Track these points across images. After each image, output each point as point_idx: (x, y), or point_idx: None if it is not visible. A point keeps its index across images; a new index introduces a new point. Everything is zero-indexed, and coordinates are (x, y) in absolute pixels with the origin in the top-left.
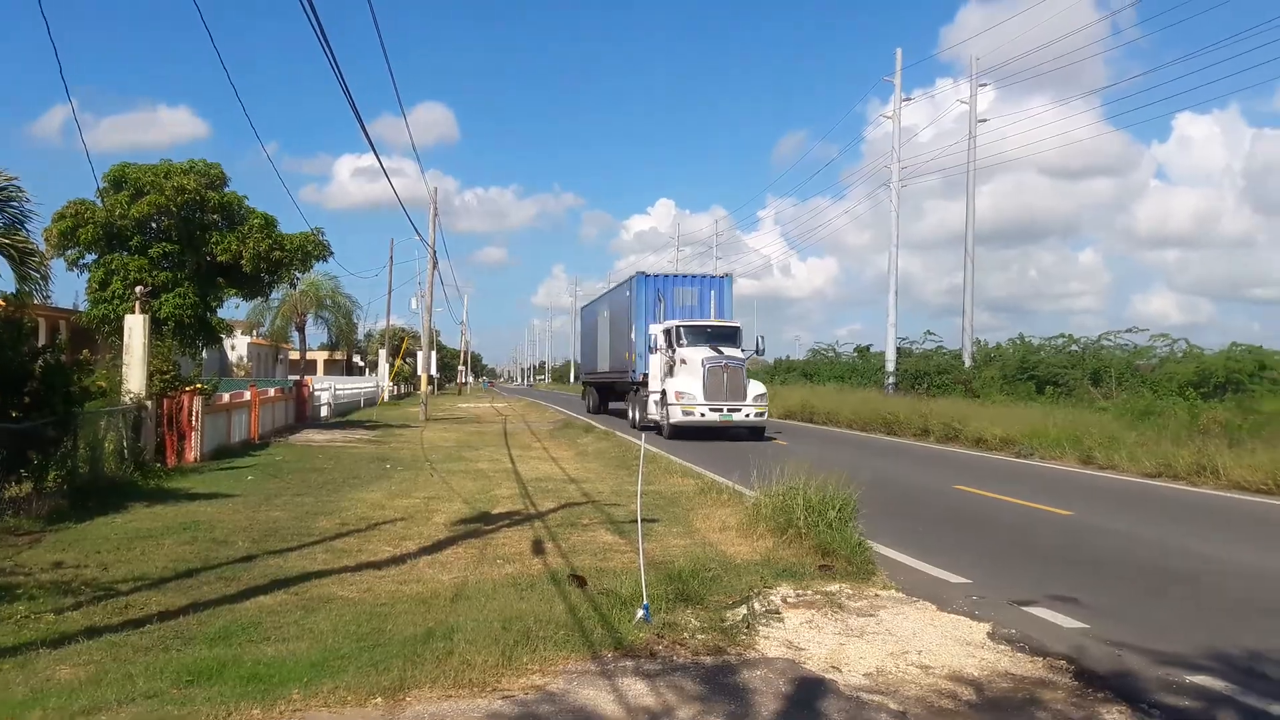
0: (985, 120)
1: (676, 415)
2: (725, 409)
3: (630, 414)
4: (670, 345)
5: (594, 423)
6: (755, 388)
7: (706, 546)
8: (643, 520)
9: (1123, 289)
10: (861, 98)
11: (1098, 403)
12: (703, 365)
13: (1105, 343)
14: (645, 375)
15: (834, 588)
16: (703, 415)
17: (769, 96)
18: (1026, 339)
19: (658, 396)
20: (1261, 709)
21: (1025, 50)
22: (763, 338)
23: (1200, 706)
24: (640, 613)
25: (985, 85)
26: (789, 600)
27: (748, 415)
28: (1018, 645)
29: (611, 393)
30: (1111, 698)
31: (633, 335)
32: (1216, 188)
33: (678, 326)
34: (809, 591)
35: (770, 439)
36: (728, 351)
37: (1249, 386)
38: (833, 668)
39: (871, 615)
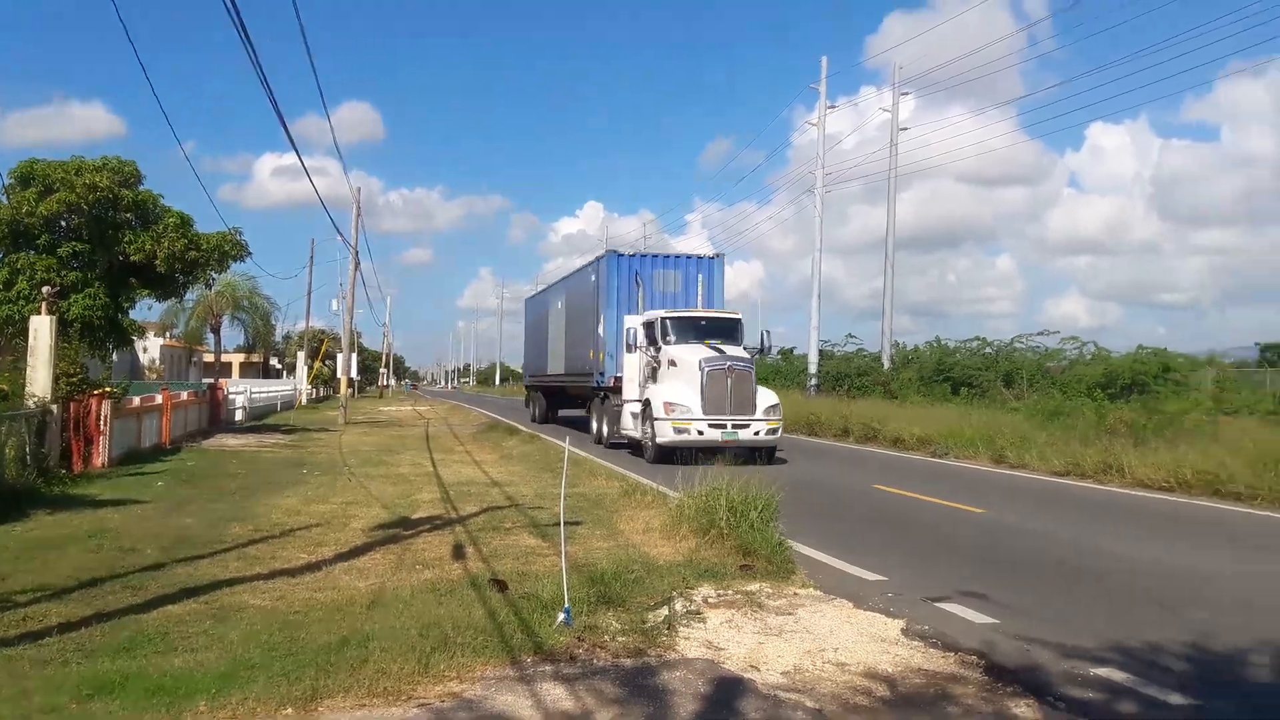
0: (906, 129)
1: (665, 433)
2: (729, 424)
3: (594, 428)
4: (654, 342)
5: (519, 426)
6: (766, 396)
7: (630, 548)
8: (566, 523)
9: (1036, 294)
10: (788, 105)
11: (1010, 404)
12: (700, 368)
13: (1018, 345)
14: (617, 379)
15: (754, 587)
16: (700, 433)
17: (698, 101)
18: (943, 342)
19: (637, 408)
20: (1160, 699)
21: (947, 60)
22: (768, 333)
23: (1103, 698)
24: (561, 616)
25: (907, 94)
26: (710, 600)
27: (758, 433)
28: (930, 641)
29: (564, 399)
30: (1020, 691)
31: (600, 329)
32: (1126, 196)
33: (663, 318)
34: (730, 591)
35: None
36: (729, 350)
37: (1154, 388)
38: (751, 667)
39: (790, 614)
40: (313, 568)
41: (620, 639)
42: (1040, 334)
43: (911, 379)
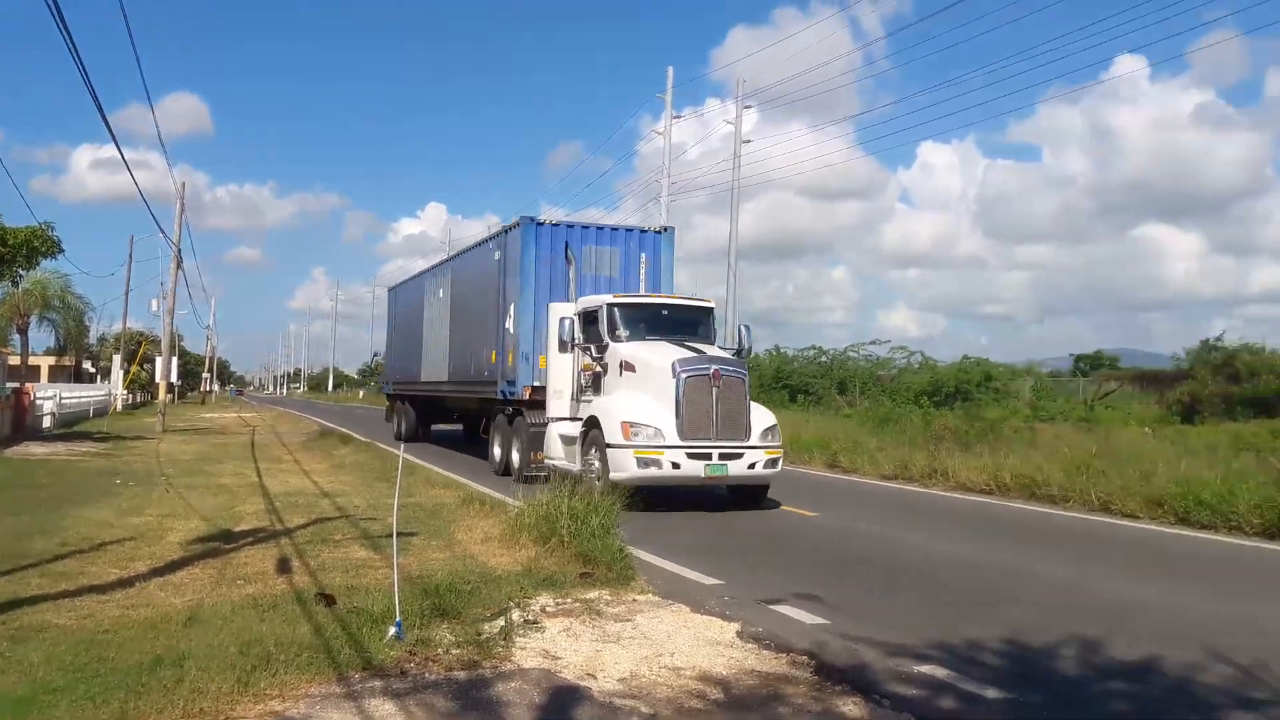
0: (750, 141)
1: (624, 465)
2: (716, 453)
3: (497, 454)
4: (598, 338)
5: (354, 434)
6: (761, 415)
7: (467, 559)
8: (401, 534)
9: (869, 304)
10: (635, 113)
11: (844, 410)
12: (674, 374)
13: (851, 354)
14: (534, 389)
15: (593, 595)
16: (675, 466)
17: (544, 106)
18: (782, 350)
19: (572, 428)
20: (978, 694)
21: (789, 75)
22: (748, 329)
23: (925, 694)
24: (392, 630)
25: (750, 107)
26: (548, 609)
27: (753, 465)
28: (764, 643)
29: (440, 412)
30: (848, 690)
31: (509, 323)
32: (953, 212)
33: (611, 306)
34: (569, 600)
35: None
36: (709, 351)
37: (976, 396)
38: (588, 675)
39: (628, 620)
40: (124, 584)
41: (454, 651)
42: (872, 343)
43: (751, 386)
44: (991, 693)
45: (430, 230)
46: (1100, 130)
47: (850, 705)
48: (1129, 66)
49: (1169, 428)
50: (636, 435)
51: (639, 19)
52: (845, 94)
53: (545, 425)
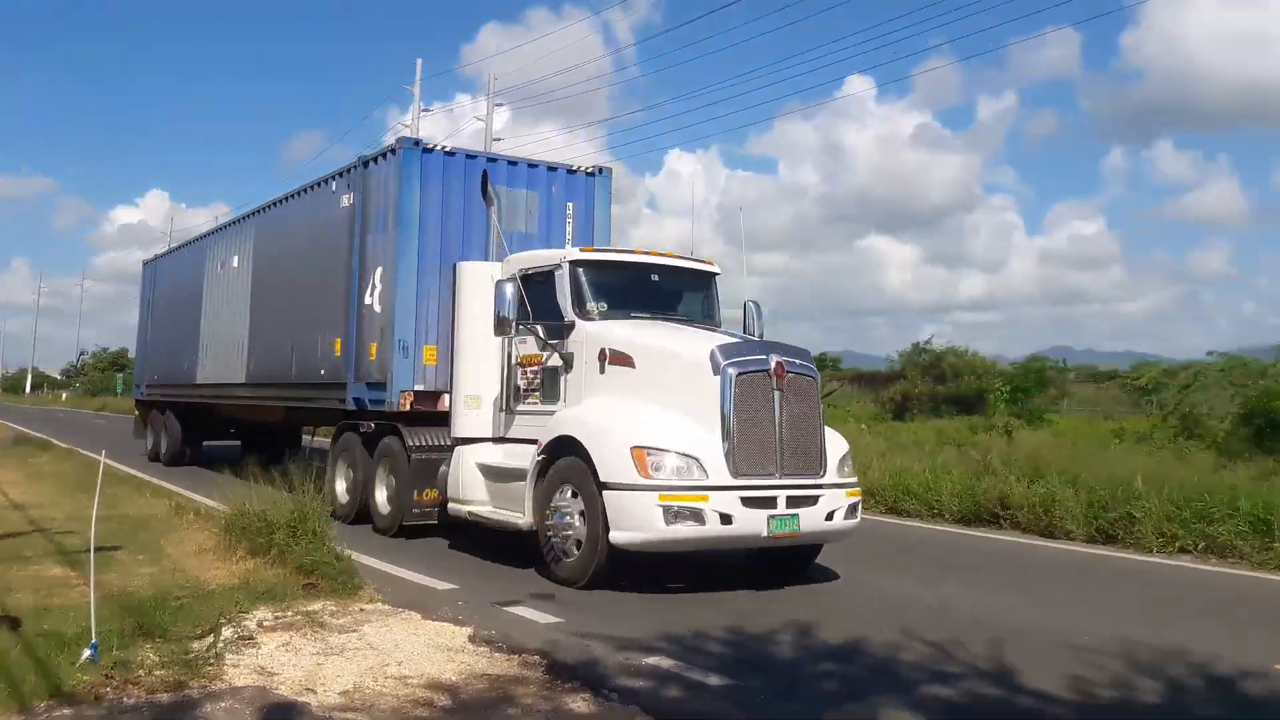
0: (501, 139)
1: (643, 519)
2: (784, 497)
3: (339, 490)
4: (559, 314)
5: (54, 440)
6: (834, 438)
7: (178, 573)
8: (102, 548)
9: None
10: (381, 105)
11: None
12: (717, 368)
13: None
14: (414, 396)
15: (317, 606)
16: (726, 520)
17: (282, 91)
18: None
19: (511, 458)
20: (701, 681)
21: (541, 76)
22: (757, 305)
23: (652, 685)
24: (87, 653)
25: (502, 105)
26: (266, 624)
27: (832, 516)
28: (496, 646)
29: (215, 424)
30: (578, 687)
31: (371, 297)
32: (696, 219)
33: (575, 265)
34: (290, 612)
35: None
36: (738, 336)
37: None
38: (307, 690)
39: (354, 631)
40: None
41: (158, 673)
42: None
43: None
44: (714, 680)
45: (151, 219)
46: (831, 146)
47: (580, 702)
48: (858, 87)
49: (883, 424)
50: (659, 469)
51: (387, 7)
52: (596, 98)
53: (448, 451)
